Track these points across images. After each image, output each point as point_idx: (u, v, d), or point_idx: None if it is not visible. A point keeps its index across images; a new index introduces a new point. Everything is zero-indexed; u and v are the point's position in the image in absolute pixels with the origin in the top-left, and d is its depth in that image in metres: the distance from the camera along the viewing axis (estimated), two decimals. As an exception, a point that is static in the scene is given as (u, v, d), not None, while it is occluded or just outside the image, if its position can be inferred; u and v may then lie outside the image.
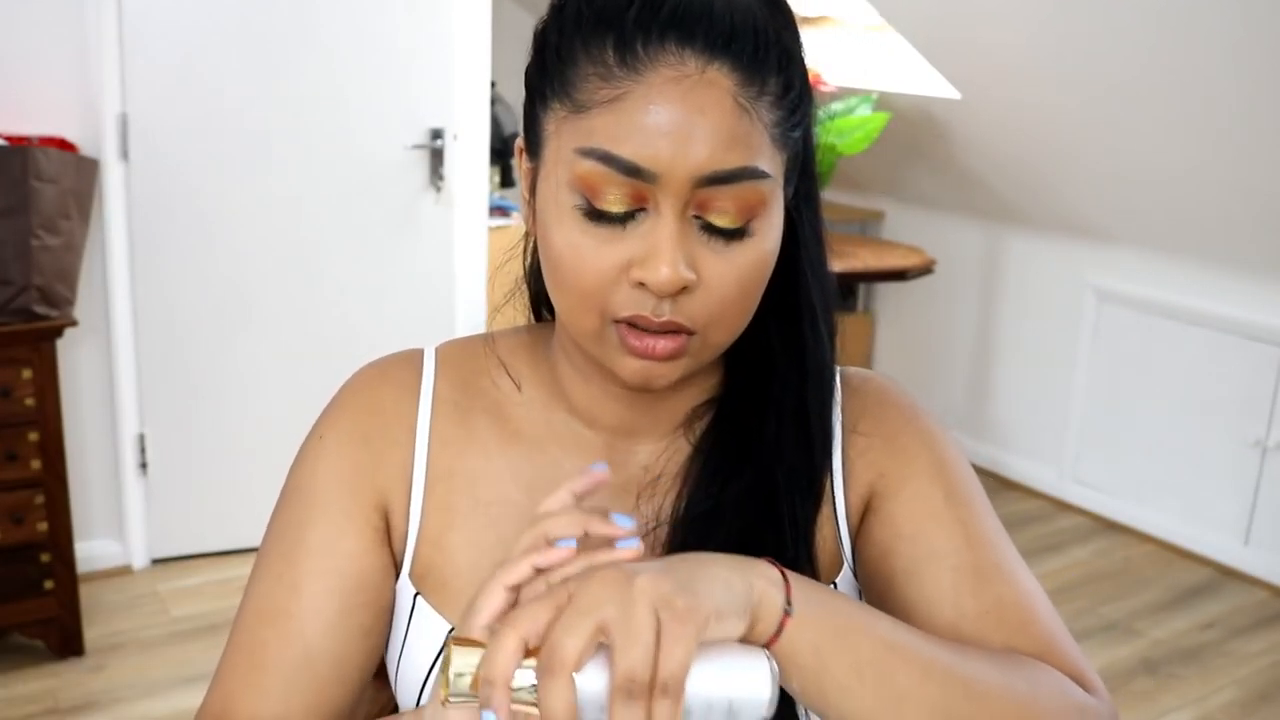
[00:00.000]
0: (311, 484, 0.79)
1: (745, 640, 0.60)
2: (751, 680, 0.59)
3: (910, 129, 3.68)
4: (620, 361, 0.71)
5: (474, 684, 0.58)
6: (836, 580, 0.81)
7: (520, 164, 0.77)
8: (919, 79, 3.49)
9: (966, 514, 0.78)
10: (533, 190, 0.74)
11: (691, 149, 0.65)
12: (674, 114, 0.65)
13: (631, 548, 0.63)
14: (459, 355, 0.85)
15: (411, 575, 0.79)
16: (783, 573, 0.63)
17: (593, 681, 0.57)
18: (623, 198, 0.67)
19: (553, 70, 0.70)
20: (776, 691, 0.59)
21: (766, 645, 0.61)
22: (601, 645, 0.57)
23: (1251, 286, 3.20)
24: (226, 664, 0.77)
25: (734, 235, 0.69)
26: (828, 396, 0.80)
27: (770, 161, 0.69)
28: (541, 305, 0.88)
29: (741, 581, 0.60)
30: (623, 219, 0.68)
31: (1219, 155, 2.91)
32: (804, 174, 0.76)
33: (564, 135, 0.69)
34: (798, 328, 0.78)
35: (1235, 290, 3.24)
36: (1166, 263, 3.41)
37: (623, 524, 0.64)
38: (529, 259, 0.86)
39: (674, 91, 0.65)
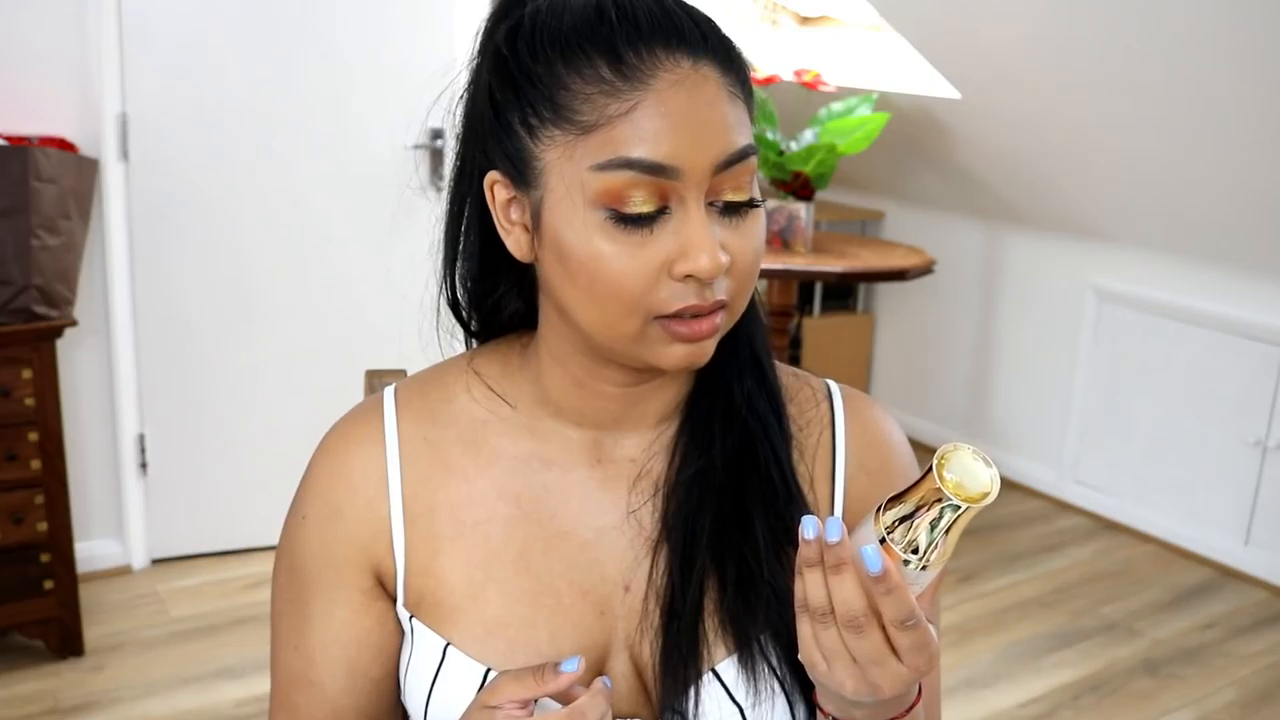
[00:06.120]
0: (302, 563, 0.85)
1: None
2: None
3: (910, 129, 3.68)
4: (665, 353, 0.74)
5: None
6: None
7: (493, 197, 0.77)
8: (919, 79, 3.49)
9: (931, 610, 0.77)
10: (536, 221, 0.74)
11: (708, 139, 0.70)
12: (686, 111, 0.70)
13: (572, 670, 0.71)
14: (424, 386, 0.87)
15: (406, 604, 0.83)
16: None
17: None
18: (648, 198, 0.70)
19: (533, 98, 0.72)
20: None
21: None
22: None
23: (1251, 286, 3.20)
24: None
25: (747, 209, 0.74)
26: (760, 327, 0.85)
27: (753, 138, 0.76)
28: (478, 321, 0.90)
29: None
30: (650, 221, 0.70)
31: (1219, 155, 2.91)
32: None
33: (576, 158, 0.70)
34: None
35: (1235, 290, 3.24)
36: (1166, 263, 3.41)
37: (569, 669, 0.71)
38: (457, 288, 0.88)
39: (680, 91, 0.70)
